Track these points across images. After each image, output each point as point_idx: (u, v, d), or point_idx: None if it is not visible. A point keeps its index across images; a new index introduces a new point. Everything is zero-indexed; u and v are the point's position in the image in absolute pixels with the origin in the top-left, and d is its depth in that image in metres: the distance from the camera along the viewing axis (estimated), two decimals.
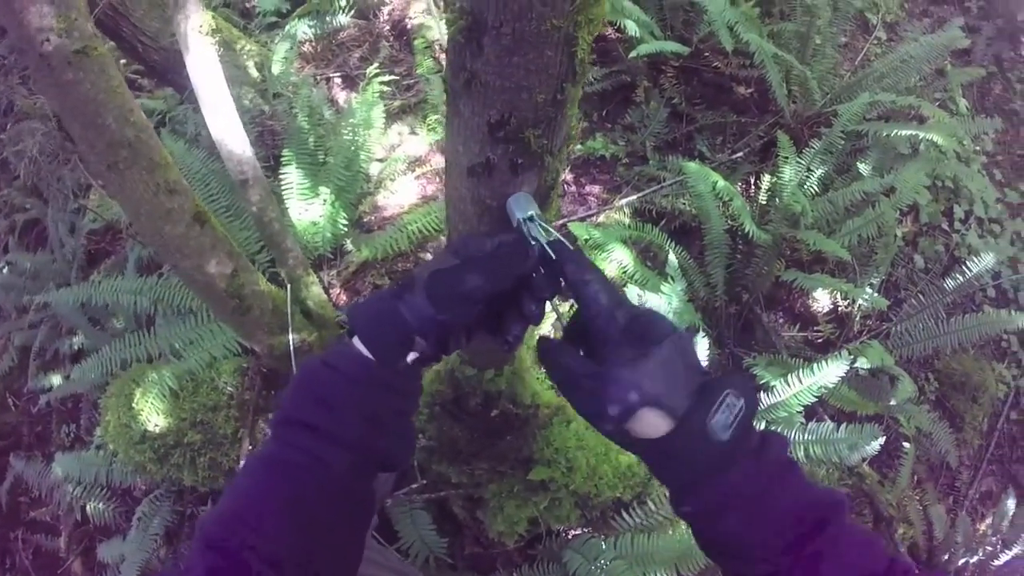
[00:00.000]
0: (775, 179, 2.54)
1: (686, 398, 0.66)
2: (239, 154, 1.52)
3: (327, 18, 3.06)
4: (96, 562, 2.38)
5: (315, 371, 0.70)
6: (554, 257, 0.70)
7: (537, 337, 0.74)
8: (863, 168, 2.57)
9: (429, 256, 2.41)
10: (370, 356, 0.70)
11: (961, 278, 2.48)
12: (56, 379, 2.52)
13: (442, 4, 0.63)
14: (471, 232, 0.83)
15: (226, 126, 1.46)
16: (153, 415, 1.89)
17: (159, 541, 2.16)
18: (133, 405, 1.92)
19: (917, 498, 2.47)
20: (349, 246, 2.33)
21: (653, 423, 0.66)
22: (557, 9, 0.55)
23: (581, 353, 0.73)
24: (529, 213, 0.72)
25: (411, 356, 0.72)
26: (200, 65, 1.37)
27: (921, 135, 2.44)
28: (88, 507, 2.33)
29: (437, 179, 2.68)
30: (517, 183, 0.73)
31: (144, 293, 2.11)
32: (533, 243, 0.71)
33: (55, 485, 2.43)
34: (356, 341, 0.71)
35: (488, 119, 0.66)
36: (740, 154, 2.80)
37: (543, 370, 0.73)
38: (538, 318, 0.75)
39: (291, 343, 1.71)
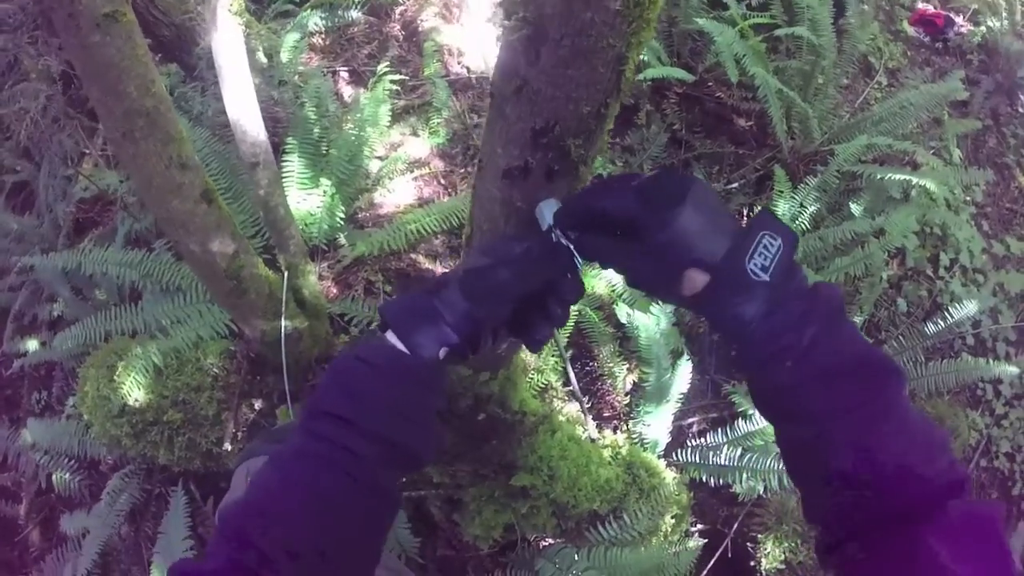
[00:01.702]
0: None
1: (720, 245, 0.65)
2: (253, 136, 1.52)
3: (339, 12, 3.06)
4: (56, 533, 2.34)
5: (348, 365, 0.71)
6: (581, 263, 0.72)
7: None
8: (855, 208, 2.63)
9: (421, 257, 2.41)
10: (404, 350, 0.71)
11: (942, 324, 2.53)
12: (32, 344, 2.48)
13: (501, 12, 0.64)
14: (494, 231, 0.85)
15: (244, 107, 1.47)
16: (134, 389, 1.86)
17: (124, 518, 2.13)
18: (114, 378, 1.89)
19: None
20: (342, 240, 2.33)
21: (696, 280, 0.66)
22: (615, 29, 0.58)
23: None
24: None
25: (442, 351, 0.73)
26: (226, 45, 1.37)
27: (914, 180, 2.50)
28: (54, 476, 2.30)
29: (435, 182, 2.68)
30: (550, 189, 0.75)
31: (133, 266, 2.09)
32: (561, 245, 0.73)
33: (21, 451, 2.39)
34: (389, 336, 0.72)
35: (533, 125, 0.68)
36: (735, 185, 2.84)
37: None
38: (563, 320, 0.76)
39: (283, 330, 1.71)
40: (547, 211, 0.74)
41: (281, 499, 0.64)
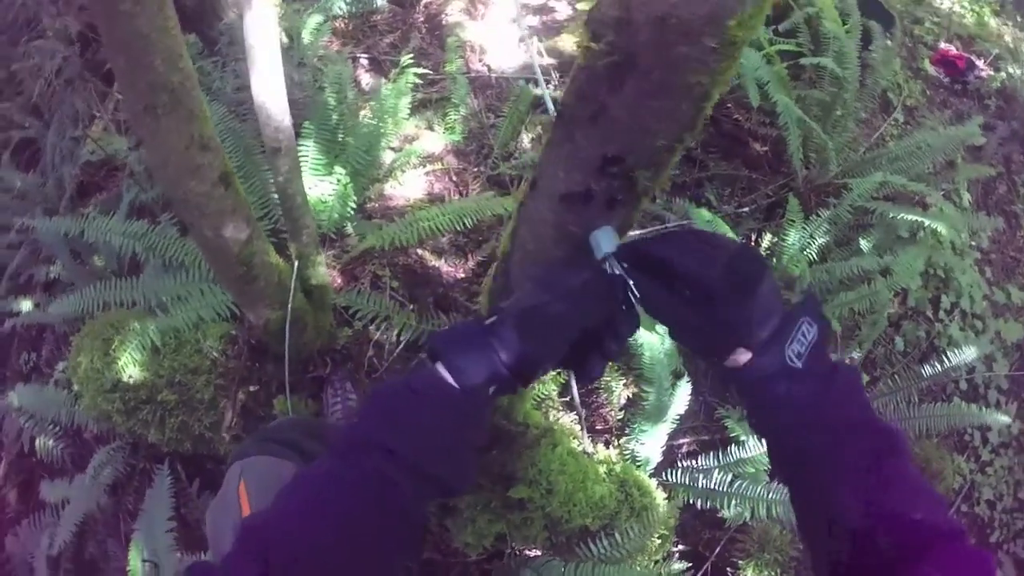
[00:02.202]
0: (777, 239, 2.58)
1: (766, 329, 0.70)
2: (278, 122, 1.49)
3: None
4: (35, 498, 2.31)
5: (394, 392, 0.71)
6: (637, 295, 0.71)
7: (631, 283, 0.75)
8: (864, 244, 2.63)
9: (428, 253, 2.39)
10: (455, 384, 0.70)
11: (939, 367, 2.53)
12: (26, 304, 2.45)
13: (587, 32, 0.62)
14: (540, 252, 0.83)
15: (272, 91, 1.44)
16: (129, 366, 1.83)
17: (105, 490, 2.10)
18: (109, 352, 1.86)
19: None
20: (349, 229, 2.30)
21: (742, 357, 0.71)
22: (707, 66, 0.56)
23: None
24: (615, 249, 0.73)
25: (492, 388, 0.72)
26: (260, 24, 1.34)
27: (926, 222, 2.50)
28: (37, 442, 2.26)
29: (447, 178, 2.66)
30: (609, 217, 0.73)
31: (137, 238, 2.05)
32: (616, 277, 0.72)
33: (5, 412, 2.36)
34: (439, 368, 0.71)
35: (604, 152, 0.67)
36: (746, 209, 2.84)
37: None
38: (617, 355, 0.79)
39: (287, 319, 1.68)
40: (603, 240, 0.73)
41: (311, 522, 0.63)
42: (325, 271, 1.82)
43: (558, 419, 2.08)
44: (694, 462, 2.16)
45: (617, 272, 0.72)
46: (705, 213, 2.36)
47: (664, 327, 0.82)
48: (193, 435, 1.90)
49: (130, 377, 1.84)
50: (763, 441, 0.78)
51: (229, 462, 1.15)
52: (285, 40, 2.66)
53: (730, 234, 2.29)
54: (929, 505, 0.65)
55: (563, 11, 3.30)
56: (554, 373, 2.06)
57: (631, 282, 0.71)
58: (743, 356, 0.71)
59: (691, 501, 2.09)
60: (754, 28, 0.54)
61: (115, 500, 2.20)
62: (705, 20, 0.52)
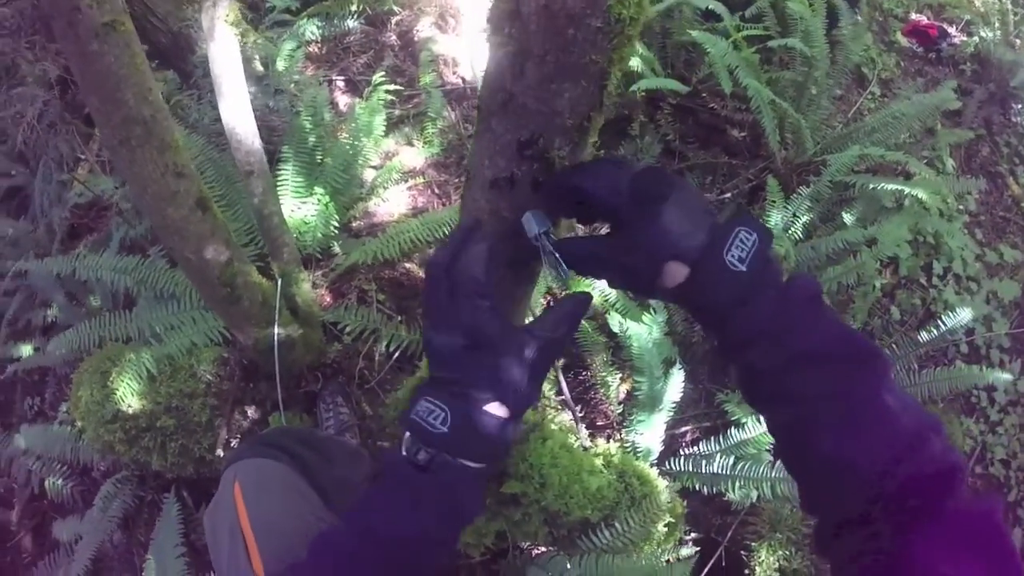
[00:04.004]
0: (761, 222, 2.59)
1: (698, 239, 0.68)
2: (248, 145, 1.53)
3: (336, 21, 3.08)
4: (48, 539, 2.34)
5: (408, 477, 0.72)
6: (566, 273, 0.73)
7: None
8: (847, 218, 2.64)
9: (414, 265, 2.41)
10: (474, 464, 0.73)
11: (936, 332, 2.53)
12: (26, 349, 2.48)
13: (488, 27, 0.65)
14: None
15: (240, 117, 1.48)
16: (128, 396, 1.87)
17: (116, 524, 2.13)
18: (108, 383, 1.90)
19: None
20: (336, 248, 2.33)
21: (677, 272, 0.69)
22: (597, 46, 0.60)
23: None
24: (545, 228, 0.75)
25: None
26: (222, 54, 1.39)
27: (906, 190, 2.51)
28: (46, 482, 2.30)
29: (429, 191, 2.70)
30: (536, 199, 0.76)
31: (128, 272, 2.10)
32: (548, 256, 0.74)
33: (14, 457, 2.39)
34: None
35: (519, 137, 0.70)
36: (728, 195, 2.86)
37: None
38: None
39: (276, 337, 1.71)
40: (534, 220, 0.76)
41: None
42: (309, 288, 1.85)
43: (555, 417, 2.10)
44: (697, 449, 2.17)
45: (549, 249, 0.74)
46: None
47: (610, 287, 0.82)
48: (194, 458, 1.93)
49: (129, 407, 1.88)
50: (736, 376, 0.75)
51: (223, 467, 1.18)
52: (260, 68, 2.70)
53: None
54: (918, 434, 0.62)
55: None
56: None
57: (557, 255, 0.73)
58: (679, 271, 0.69)
59: (697, 487, 2.10)
60: (640, 5, 0.57)
61: (128, 534, 2.23)
62: (585, 3, 0.56)
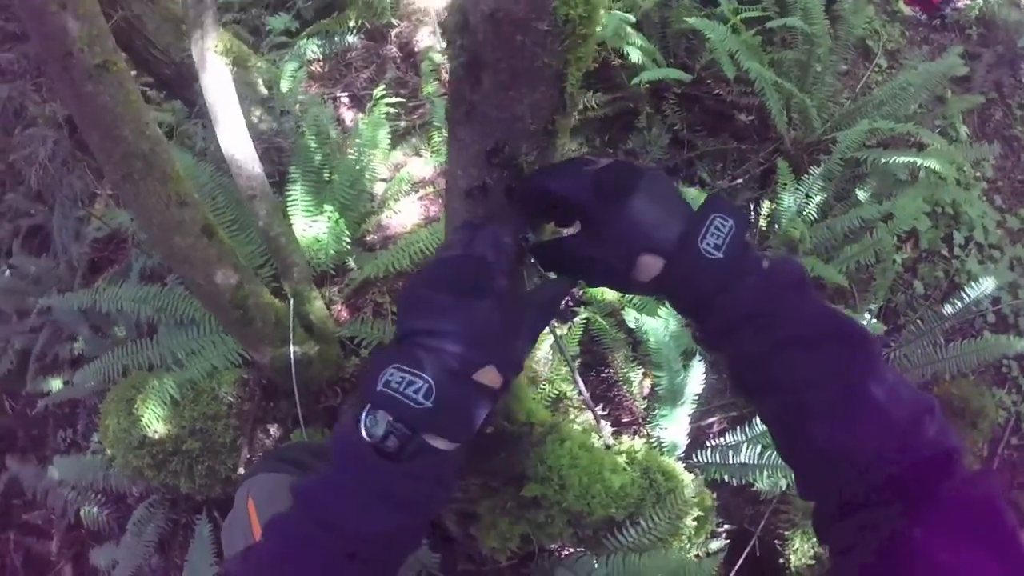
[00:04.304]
0: (774, 206, 2.57)
1: (672, 230, 0.66)
2: (248, 171, 1.55)
3: (336, 38, 3.10)
4: (87, 567, 2.39)
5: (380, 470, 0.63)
6: (545, 275, 0.74)
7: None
8: (861, 195, 2.61)
9: None
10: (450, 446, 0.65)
11: (960, 304, 2.49)
12: (55, 383, 2.54)
13: (444, 41, 0.66)
14: None
15: (237, 144, 1.50)
16: (153, 421, 1.91)
17: (152, 548, 2.17)
18: (133, 411, 1.94)
19: None
20: (351, 263, 2.35)
21: (652, 264, 0.67)
22: (548, 49, 0.60)
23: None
24: (521, 235, 0.76)
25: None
26: (215, 84, 1.41)
27: (919, 162, 2.47)
28: (82, 511, 2.35)
29: (440, 200, 2.71)
30: (511, 206, 0.76)
31: (147, 302, 2.14)
32: (525, 263, 0.75)
33: (49, 488, 2.44)
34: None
35: (485, 146, 0.70)
36: (740, 181, 2.83)
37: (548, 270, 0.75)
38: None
39: (292, 356, 1.74)
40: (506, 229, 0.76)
41: None
42: (322, 305, 1.87)
43: (577, 417, 2.09)
44: (724, 439, 2.16)
45: (524, 257, 0.75)
46: (692, 192, 2.36)
47: (589, 287, 0.81)
48: (220, 479, 1.96)
49: (155, 432, 1.91)
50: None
51: (239, 484, 1.21)
52: (264, 91, 2.73)
53: None
54: (913, 418, 0.61)
55: None
56: (564, 371, 2.08)
57: (534, 260, 0.74)
58: (653, 263, 0.67)
59: (726, 479, 2.08)
60: (589, 3, 0.57)
61: (164, 557, 2.27)
62: (528, 7, 0.56)
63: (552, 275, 0.77)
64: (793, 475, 0.71)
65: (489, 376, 0.65)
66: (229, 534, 1.13)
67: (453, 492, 0.72)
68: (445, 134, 2.77)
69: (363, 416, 0.63)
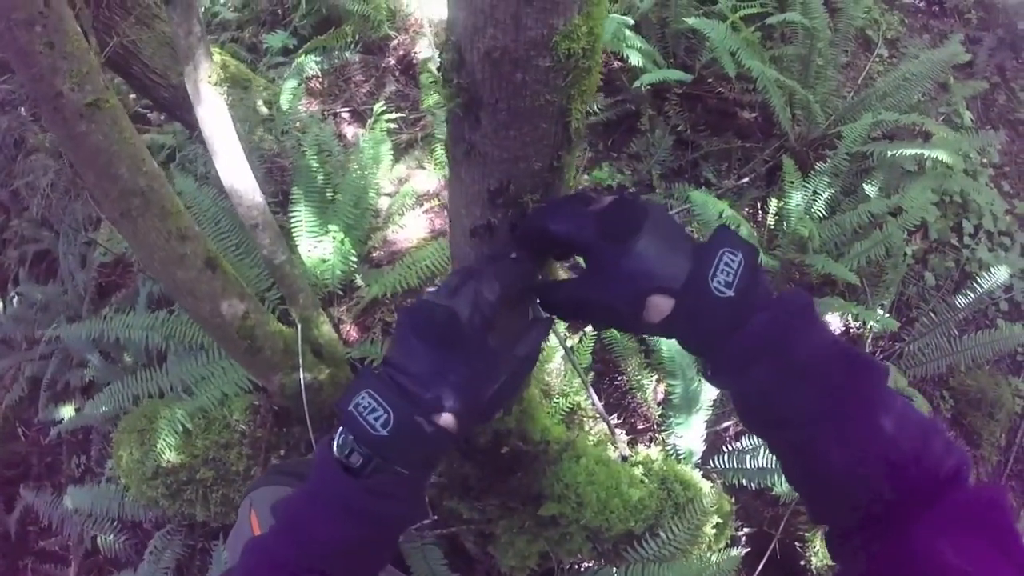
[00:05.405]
0: (782, 204, 2.55)
1: (681, 269, 0.65)
2: (249, 200, 1.54)
3: (334, 53, 3.09)
4: None
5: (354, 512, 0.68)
6: (548, 315, 0.73)
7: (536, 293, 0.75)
8: (869, 189, 2.58)
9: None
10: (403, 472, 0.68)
11: (972, 294, 2.47)
12: (67, 411, 2.54)
13: (441, 79, 0.65)
14: None
15: (237, 173, 1.49)
16: (166, 451, 1.90)
17: (170, 574, 2.17)
18: (145, 441, 1.94)
19: None
20: (359, 281, 2.34)
21: (662, 305, 0.66)
22: (550, 86, 0.57)
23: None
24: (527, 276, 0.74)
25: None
26: (211, 116, 1.40)
27: (926, 153, 2.44)
28: (99, 539, 2.34)
29: (445, 212, 2.69)
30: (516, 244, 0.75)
31: (156, 329, 2.13)
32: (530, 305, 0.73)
33: (65, 516, 2.44)
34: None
35: (488, 186, 0.68)
36: (746, 179, 2.81)
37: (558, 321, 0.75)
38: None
39: (302, 382, 1.73)
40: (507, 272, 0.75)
41: None
42: (330, 329, 1.86)
43: (592, 428, 2.08)
44: (740, 444, 2.14)
45: (541, 314, 0.73)
46: (697, 195, 2.34)
47: (595, 329, 0.80)
48: (235, 506, 1.95)
49: (168, 462, 1.91)
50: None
51: (243, 497, 1.22)
52: (264, 111, 2.73)
53: (728, 210, 2.27)
54: (922, 438, 0.61)
55: None
56: (578, 383, 2.06)
57: (539, 300, 0.72)
58: (663, 304, 0.66)
59: (743, 483, 2.06)
60: (592, 34, 0.54)
61: None
62: (528, 45, 0.53)
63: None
64: (804, 501, 0.71)
65: (446, 420, 0.67)
66: (233, 542, 1.17)
67: (421, 514, 0.71)
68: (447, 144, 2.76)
69: (337, 433, 0.68)
